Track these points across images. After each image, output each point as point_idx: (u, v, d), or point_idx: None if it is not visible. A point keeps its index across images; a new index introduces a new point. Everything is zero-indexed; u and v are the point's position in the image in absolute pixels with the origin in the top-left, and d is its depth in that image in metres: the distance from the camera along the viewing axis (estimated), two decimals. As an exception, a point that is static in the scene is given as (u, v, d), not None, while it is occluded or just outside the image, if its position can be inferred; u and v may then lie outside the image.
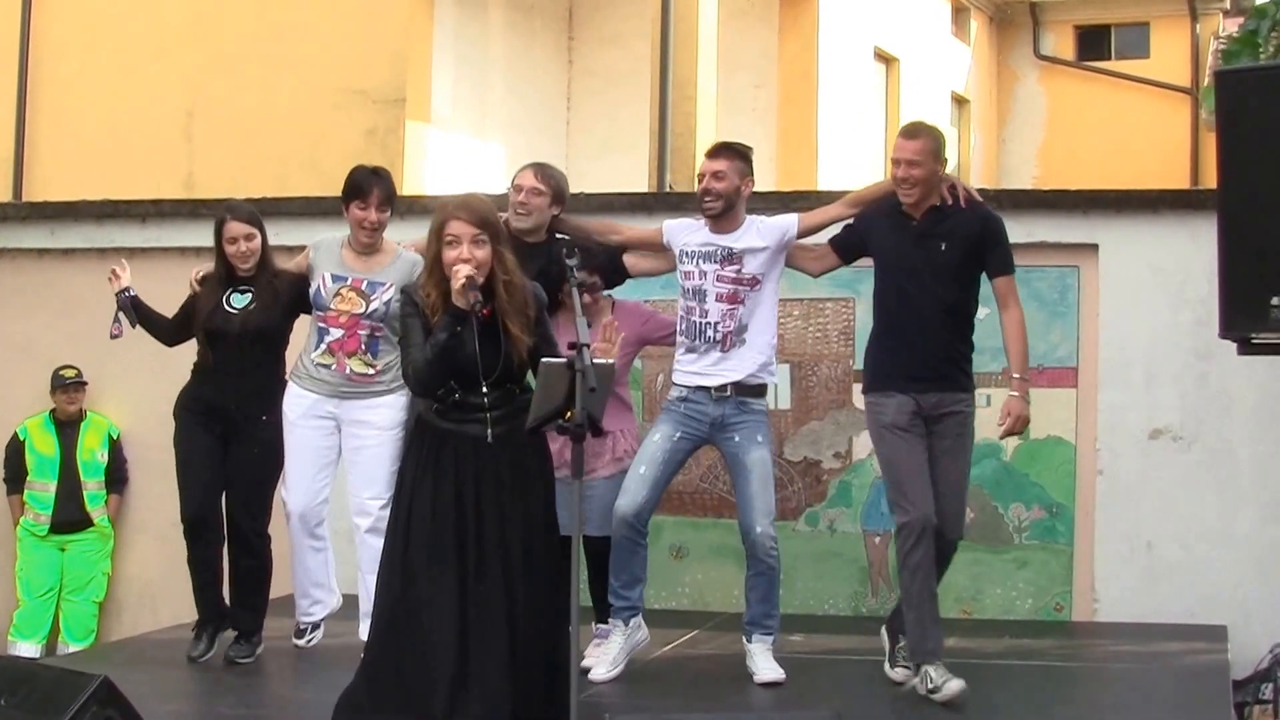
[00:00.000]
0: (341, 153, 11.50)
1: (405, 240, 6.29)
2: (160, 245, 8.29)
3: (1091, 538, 7.26)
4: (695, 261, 5.79)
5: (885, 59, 16.77)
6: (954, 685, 5.35)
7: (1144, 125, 19.72)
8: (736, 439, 5.72)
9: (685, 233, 5.88)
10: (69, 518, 8.45)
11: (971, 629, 6.77)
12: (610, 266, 6.05)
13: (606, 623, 5.98)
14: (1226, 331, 5.18)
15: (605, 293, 6.12)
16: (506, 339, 4.84)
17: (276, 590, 6.70)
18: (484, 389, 4.85)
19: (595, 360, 4.53)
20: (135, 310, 6.23)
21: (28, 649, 8.34)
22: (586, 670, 5.74)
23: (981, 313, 7.20)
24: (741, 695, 5.67)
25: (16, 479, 8.56)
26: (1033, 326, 7.25)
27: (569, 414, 4.54)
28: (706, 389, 5.74)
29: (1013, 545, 7.32)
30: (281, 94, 12.44)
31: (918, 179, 5.55)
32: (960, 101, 19.40)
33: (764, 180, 13.51)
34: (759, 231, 5.79)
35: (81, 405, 8.53)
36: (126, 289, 6.24)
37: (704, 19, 12.86)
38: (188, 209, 8.41)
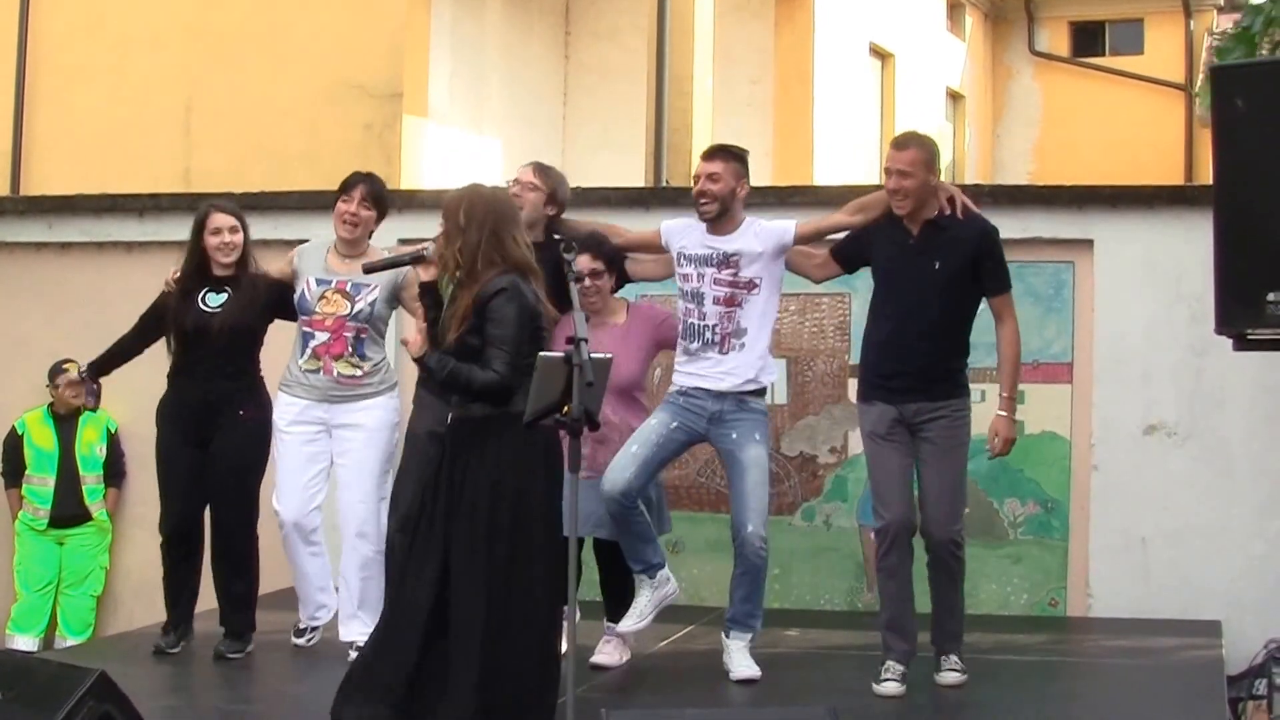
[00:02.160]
0: (339, 147, 11.51)
1: (393, 245, 6.29)
2: (158, 239, 8.27)
3: (1086, 533, 7.28)
4: (693, 265, 5.74)
5: (881, 55, 16.75)
6: (889, 688, 5.55)
7: (1139, 121, 19.73)
8: (734, 435, 5.68)
9: (683, 234, 5.81)
10: (67, 512, 8.44)
11: (967, 624, 6.77)
12: (620, 261, 6.02)
13: (616, 621, 5.97)
14: (1222, 327, 5.18)
15: (617, 294, 6.11)
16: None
17: (274, 585, 6.71)
18: None
19: (593, 355, 4.55)
20: (95, 371, 6.42)
21: (25, 643, 8.34)
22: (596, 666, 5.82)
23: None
24: (737, 691, 5.67)
25: (15, 473, 8.55)
26: (1028, 322, 7.27)
27: (566, 408, 4.55)
28: (706, 389, 5.72)
29: (1007, 541, 7.34)
30: (279, 88, 12.43)
31: (909, 190, 5.54)
32: (955, 97, 19.40)
33: (760, 175, 13.51)
34: (756, 234, 5.73)
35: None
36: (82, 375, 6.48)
37: (700, 14, 12.85)
38: (186, 203, 8.38)
